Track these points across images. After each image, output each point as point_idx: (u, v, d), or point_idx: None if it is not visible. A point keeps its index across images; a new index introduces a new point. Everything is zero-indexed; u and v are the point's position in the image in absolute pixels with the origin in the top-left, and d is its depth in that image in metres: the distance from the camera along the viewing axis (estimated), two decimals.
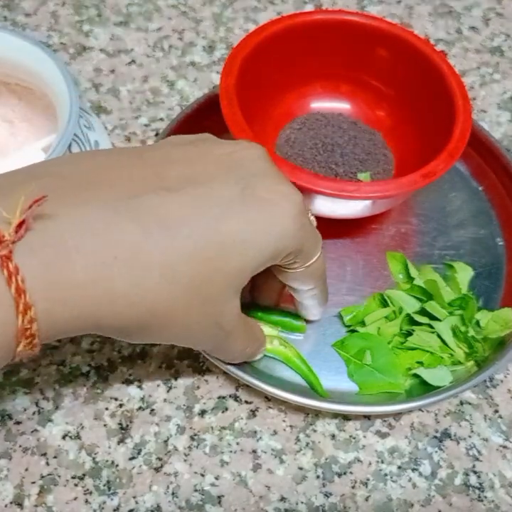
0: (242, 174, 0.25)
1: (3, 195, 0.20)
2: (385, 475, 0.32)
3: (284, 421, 0.33)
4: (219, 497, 0.31)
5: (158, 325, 0.23)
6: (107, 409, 0.33)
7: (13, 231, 0.19)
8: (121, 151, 0.26)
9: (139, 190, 0.22)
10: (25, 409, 0.33)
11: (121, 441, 0.32)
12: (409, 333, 0.35)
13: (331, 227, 0.39)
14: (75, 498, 0.31)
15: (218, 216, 0.23)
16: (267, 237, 0.24)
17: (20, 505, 0.30)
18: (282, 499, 0.31)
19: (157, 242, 0.22)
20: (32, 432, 0.32)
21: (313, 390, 0.33)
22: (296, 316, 0.35)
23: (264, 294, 0.34)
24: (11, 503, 0.30)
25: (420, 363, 0.34)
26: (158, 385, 0.34)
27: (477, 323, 0.35)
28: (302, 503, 0.31)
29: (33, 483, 0.31)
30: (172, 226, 0.22)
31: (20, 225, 0.19)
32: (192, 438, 0.33)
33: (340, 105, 0.43)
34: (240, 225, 0.23)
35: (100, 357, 0.35)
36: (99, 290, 0.21)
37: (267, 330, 0.34)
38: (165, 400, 0.34)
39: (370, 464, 0.32)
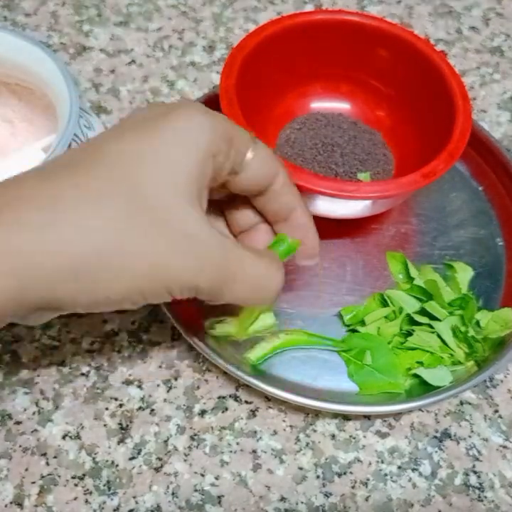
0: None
1: None
2: (385, 475, 0.32)
3: (284, 421, 0.33)
4: (219, 497, 0.31)
5: (108, 261, 0.22)
6: (107, 409, 0.33)
7: None
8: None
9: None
10: (25, 409, 0.33)
11: (121, 441, 0.32)
12: (409, 333, 0.35)
13: (331, 227, 0.39)
14: (75, 498, 0.31)
15: (133, 138, 0.23)
16: (189, 140, 0.23)
17: (20, 505, 0.30)
18: (282, 499, 0.31)
19: (89, 184, 0.22)
20: (32, 432, 0.32)
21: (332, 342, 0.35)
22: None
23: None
24: (11, 503, 0.30)
25: (420, 363, 0.34)
26: (158, 385, 0.34)
27: (477, 323, 0.35)
28: (302, 503, 0.31)
29: (33, 483, 0.31)
30: (100, 163, 0.22)
31: None
32: (192, 438, 0.33)
33: (340, 105, 0.43)
34: (164, 137, 0.23)
35: (100, 357, 0.35)
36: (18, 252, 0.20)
37: (268, 321, 0.34)
38: (165, 400, 0.34)
39: (370, 463, 0.32)
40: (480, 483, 0.32)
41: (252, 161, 0.26)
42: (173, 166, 0.23)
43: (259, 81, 0.39)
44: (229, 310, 0.34)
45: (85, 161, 0.23)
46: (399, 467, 0.32)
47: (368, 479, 0.32)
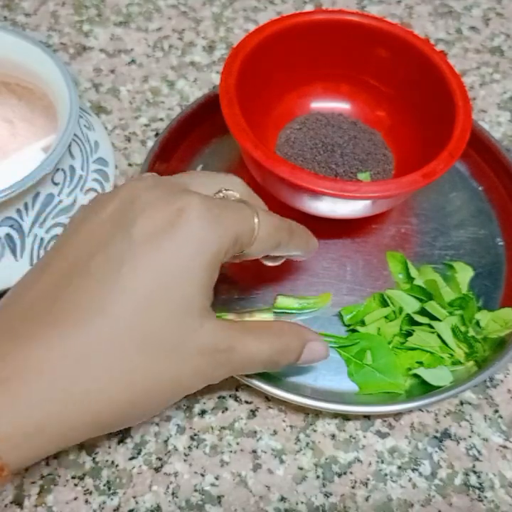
0: (132, 218, 0.23)
1: None
2: (385, 475, 0.32)
3: (284, 421, 0.33)
4: (219, 497, 0.31)
5: (142, 405, 0.23)
6: None
7: None
8: (39, 269, 0.25)
9: (54, 293, 0.23)
10: None
11: (121, 441, 0.32)
12: (410, 333, 0.35)
13: (331, 227, 0.39)
14: (75, 498, 0.31)
15: (132, 277, 0.22)
16: (192, 257, 0.23)
17: (20, 505, 0.30)
18: (282, 499, 0.31)
19: (91, 337, 0.22)
20: None
21: (334, 339, 0.35)
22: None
23: None
24: (11, 503, 0.30)
25: (420, 363, 0.34)
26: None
27: (477, 323, 0.35)
28: (302, 503, 0.31)
29: (33, 483, 0.31)
30: (98, 313, 0.22)
31: None
32: (192, 438, 0.33)
33: (340, 105, 0.43)
34: (158, 267, 0.22)
35: None
36: (52, 408, 0.21)
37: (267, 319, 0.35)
38: None
39: (370, 464, 0.32)
40: (480, 483, 0.32)
41: (258, 236, 0.26)
42: (185, 285, 0.23)
43: (259, 81, 0.39)
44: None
45: (92, 307, 0.22)
46: (399, 467, 0.32)
47: (368, 479, 0.32)
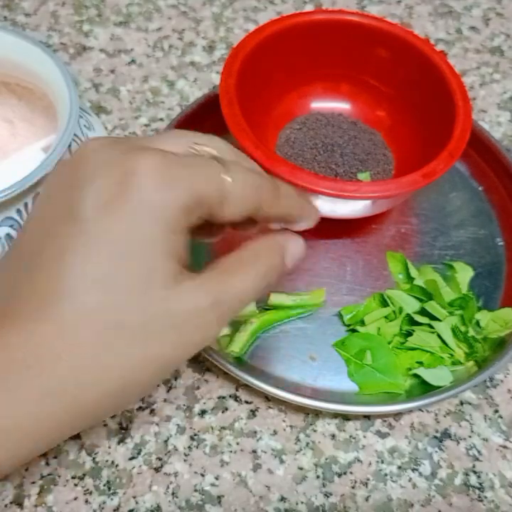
0: (79, 193, 0.21)
1: None
2: (385, 475, 0.32)
3: (284, 421, 0.33)
4: (219, 497, 0.31)
5: (124, 392, 0.21)
6: None
7: None
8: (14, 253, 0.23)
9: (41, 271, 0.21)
10: None
11: (121, 441, 0.32)
12: (410, 333, 0.35)
13: (331, 227, 0.39)
14: (75, 498, 0.31)
15: (87, 261, 0.20)
16: (149, 224, 0.21)
17: (20, 505, 0.30)
18: (282, 499, 0.31)
19: (50, 330, 0.20)
20: None
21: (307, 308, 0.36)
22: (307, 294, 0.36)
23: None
24: (11, 503, 0.30)
25: (420, 363, 0.34)
26: (158, 385, 0.34)
27: (477, 323, 0.35)
28: (302, 503, 0.31)
29: (33, 483, 0.31)
30: (55, 304, 0.20)
31: None
32: (192, 438, 0.33)
33: (340, 105, 0.43)
34: (112, 243, 0.20)
35: None
36: (27, 408, 0.19)
37: (248, 308, 0.35)
38: (165, 400, 0.34)
39: (370, 464, 0.32)
40: (480, 483, 0.32)
41: (230, 196, 0.23)
42: (145, 267, 0.21)
43: (259, 81, 0.39)
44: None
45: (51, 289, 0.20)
46: (399, 467, 0.32)
47: (368, 479, 0.32)
